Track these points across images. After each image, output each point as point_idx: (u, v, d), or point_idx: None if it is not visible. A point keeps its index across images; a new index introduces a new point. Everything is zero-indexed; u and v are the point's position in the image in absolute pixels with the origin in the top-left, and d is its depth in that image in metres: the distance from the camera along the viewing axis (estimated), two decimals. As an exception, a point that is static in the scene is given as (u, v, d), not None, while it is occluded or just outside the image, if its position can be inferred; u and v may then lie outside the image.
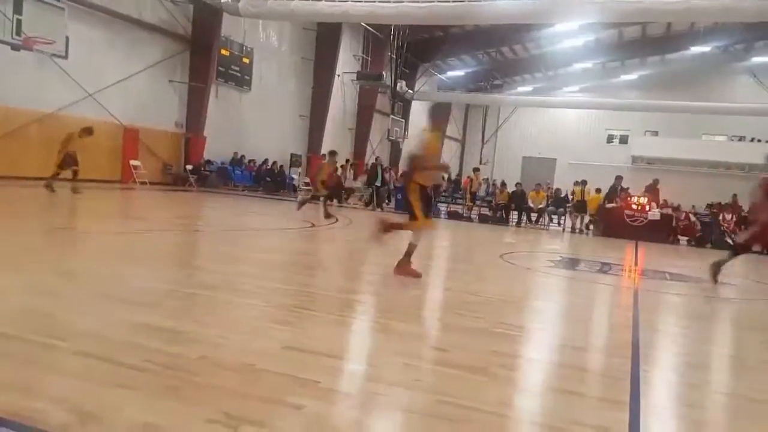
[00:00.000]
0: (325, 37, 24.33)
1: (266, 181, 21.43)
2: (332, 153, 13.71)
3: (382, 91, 27.41)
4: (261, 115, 22.54)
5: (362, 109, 27.98)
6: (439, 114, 6.00)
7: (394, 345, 3.52)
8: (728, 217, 16.17)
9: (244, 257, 6.71)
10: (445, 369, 3.11)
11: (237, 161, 21.33)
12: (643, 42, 29.47)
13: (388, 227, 6.03)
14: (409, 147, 5.90)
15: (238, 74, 21.23)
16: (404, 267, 5.79)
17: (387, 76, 26.05)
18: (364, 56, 27.77)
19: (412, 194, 5.77)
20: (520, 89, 36.72)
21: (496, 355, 3.45)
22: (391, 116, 26.68)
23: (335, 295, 5.05)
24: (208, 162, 20.19)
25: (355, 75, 26.34)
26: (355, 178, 22.64)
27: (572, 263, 9.49)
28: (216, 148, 20.45)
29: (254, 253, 7.14)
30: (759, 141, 32.43)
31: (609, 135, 37.89)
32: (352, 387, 2.80)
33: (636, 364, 3.52)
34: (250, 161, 21.67)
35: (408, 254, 5.81)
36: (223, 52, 20.22)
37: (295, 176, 23.43)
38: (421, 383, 2.85)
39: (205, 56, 19.22)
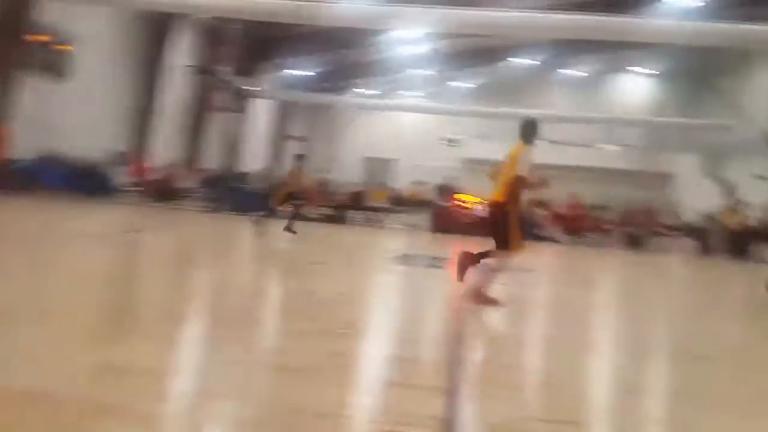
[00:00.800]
0: (156, 27, 22.77)
1: (83, 182, 19.26)
2: (299, 157, 11.88)
3: (221, 87, 26.32)
4: (81, 108, 20.41)
5: (198, 106, 26.61)
6: (530, 127, 5.49)
7: (224, 354, 3.33)
8: (543, 213, 17.96)
9: (50, 269, 5.97)
10: (281, 375, 3.02)
11: (49, 159, 18.95)
12: (474, 52, 31.67)
13: (469, 262, 5.55)
14: (501, 167, 5.32)
15: (55, 63, 19.09)
16: (483, 295, 5.29)
17: (227, 72, 25.08)
18: (202, 49, 26.45)
19: (513, 221, 5.28)
20: (364, 92, 37.60)
21: (334, 355, 3.43)
22: (232, 114, 25.78)
23: (160, 306, 4.68)
24: (14, 160, 17.73)
25: (190, 68, 24.98)
26: (189, 178, 21.47)
27: (410, 259, 9.86)
28: (25, 145, 18.12)
29: (62, 265, 6.38)
30: (571, 145, 36.75)
31: (446, 138, 40.23)
32: (176, 406, 2.58)
33: (458, 350, 3.70)
34: (65, 159, 19.40)
35: (486, 282, 5.34)
36: (37, 37, 18.06)
37: (118, 176, 21.34)
38: (255, 392, 2.73)
39: (14, 41, 17.06)
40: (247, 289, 5.67)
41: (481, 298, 5.26)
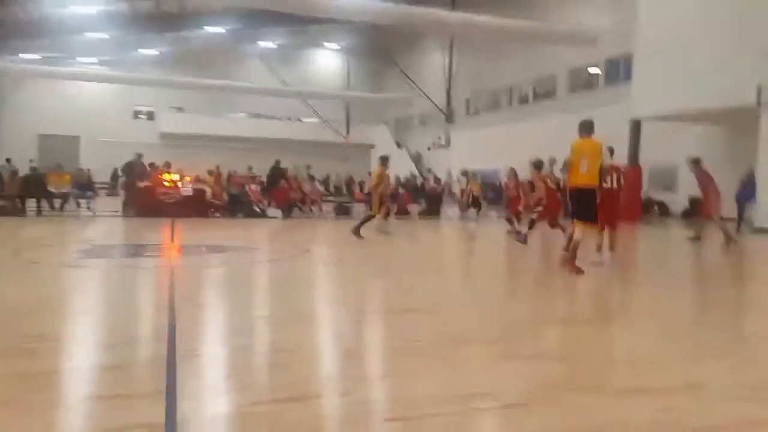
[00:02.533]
0: None
1: None
2: (385, 159, 11.67)
3: None
4: None
5: None
6: (591, 124, 6.56)
7: None
8: (254, 188, 17.80)
9: None
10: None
11: None
12: (158, 17, 29.43)
13: (573, 254, 6.50)
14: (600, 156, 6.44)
15: None
16: (574, 264, 6.44)
17: None
18: None
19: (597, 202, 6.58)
20: (25, 56, 31.86)
21: (18, 377, 2.85)
22: None
23: None
24: None
25: None
26: None
27: (105, 250, 8.83)
28: None
29: None
30: (273, 118, 37.15)
31: (135, 111, 36.95)
32: None
33: (173, 346, 3.41)
34: None
35: (574, 250, 6.50)
36: None
37: None
38: None
39: None
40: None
41: (571, 266, 6.41)
